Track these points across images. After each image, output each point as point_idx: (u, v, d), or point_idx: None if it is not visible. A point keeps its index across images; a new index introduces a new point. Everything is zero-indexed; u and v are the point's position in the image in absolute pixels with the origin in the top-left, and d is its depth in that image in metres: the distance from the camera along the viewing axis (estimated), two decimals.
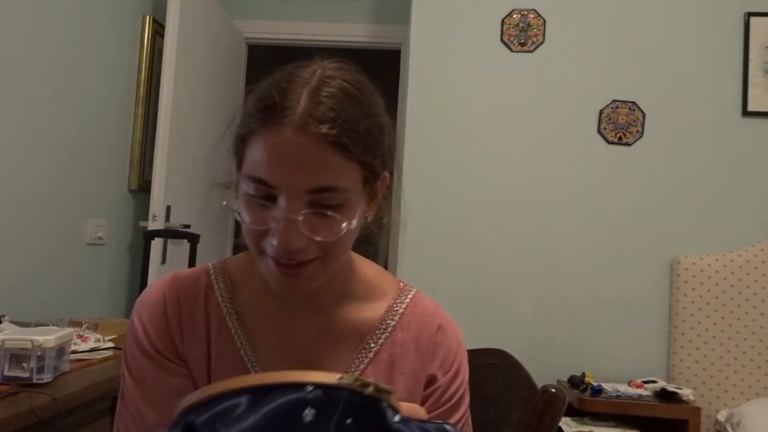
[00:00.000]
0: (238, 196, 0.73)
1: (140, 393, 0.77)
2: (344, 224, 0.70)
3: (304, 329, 0.81)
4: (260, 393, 0.52)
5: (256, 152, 0.69)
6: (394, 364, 0.81)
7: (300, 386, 0.52)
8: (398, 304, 0.85)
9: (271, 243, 0.69)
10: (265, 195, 0.69)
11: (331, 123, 0.67)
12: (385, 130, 0.76)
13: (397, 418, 0.55)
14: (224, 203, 0.75)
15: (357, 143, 0.69)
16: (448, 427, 0.61)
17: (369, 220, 0.77)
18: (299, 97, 0.68)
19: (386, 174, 0.78)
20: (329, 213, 0.69)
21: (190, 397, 0.54)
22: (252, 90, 0.74)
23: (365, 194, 0.74)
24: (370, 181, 0.74)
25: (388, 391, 0.55)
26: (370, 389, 0.54)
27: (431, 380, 0.83)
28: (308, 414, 0.51)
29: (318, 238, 0.69)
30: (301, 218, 0.68)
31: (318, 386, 0.52)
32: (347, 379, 0.53)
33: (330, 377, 0.53)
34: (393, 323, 0.83)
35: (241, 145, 0.72)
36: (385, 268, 0.90)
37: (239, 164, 0.73)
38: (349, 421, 0.52)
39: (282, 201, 0.68)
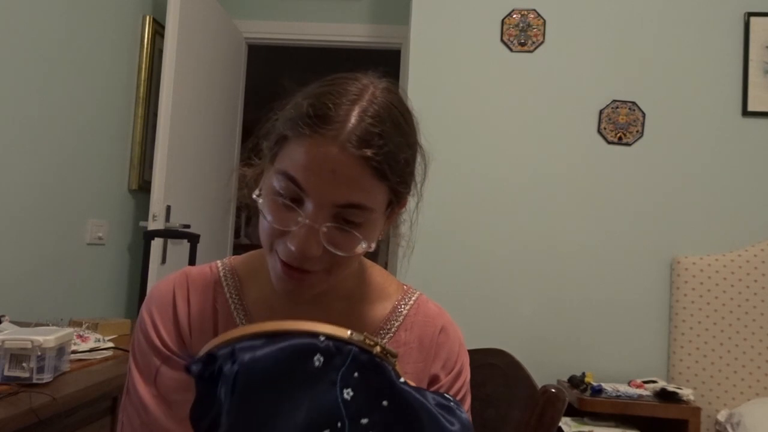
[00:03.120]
0: (263, 189, 0.74)
1: (146, 386, 0.78)
2: (363, 243, 0.72)
3: None
4: (276, 337, 0.56)
5: (295, 153, 0.69)
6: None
7: (313, 335, 0.56)
8: (402, 306, 0.86)
9: (287, 245, 0.70)
10: (293, 196, 0.70)
11: (376, 149, 0.68)
12: (419, 159, 0.78)
13: (402, 380, 0.59)
14: (253, 195, 0.75)
15: (395, 171, 0.70)
16: (449, 396, 0.64)
17: (380, 238, 0.79)
18: (349, 114, 0.69)
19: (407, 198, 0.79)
20: (350, 229, 0.70)
21: (213, 341, 0.58)
22: (301, 91, 0.74)
23: (386, 216, 0.76)
24: (393, 204, 0.76)
25: (393, 354, 0.59)
26: (377, 349, 0.58)
27: (434, 380, 0.84)
28: (317, 360, 0.56)
29: (336, 252, 0.70)
30: (324, 229, 0.69)
31: (329, 338, 0.56)
32: (357, 336, 0.58)
33: (341, 331, 0.57)
34: (397, 324, 0.85)
35: (281, 141, 0.72)
36: (385, 267, 0.91)
37: (273, 158, 0.73)
38: (356, 374, 0.57)
39: (309, 207, 0.69)
